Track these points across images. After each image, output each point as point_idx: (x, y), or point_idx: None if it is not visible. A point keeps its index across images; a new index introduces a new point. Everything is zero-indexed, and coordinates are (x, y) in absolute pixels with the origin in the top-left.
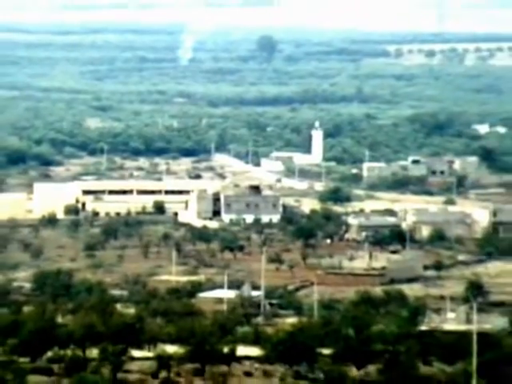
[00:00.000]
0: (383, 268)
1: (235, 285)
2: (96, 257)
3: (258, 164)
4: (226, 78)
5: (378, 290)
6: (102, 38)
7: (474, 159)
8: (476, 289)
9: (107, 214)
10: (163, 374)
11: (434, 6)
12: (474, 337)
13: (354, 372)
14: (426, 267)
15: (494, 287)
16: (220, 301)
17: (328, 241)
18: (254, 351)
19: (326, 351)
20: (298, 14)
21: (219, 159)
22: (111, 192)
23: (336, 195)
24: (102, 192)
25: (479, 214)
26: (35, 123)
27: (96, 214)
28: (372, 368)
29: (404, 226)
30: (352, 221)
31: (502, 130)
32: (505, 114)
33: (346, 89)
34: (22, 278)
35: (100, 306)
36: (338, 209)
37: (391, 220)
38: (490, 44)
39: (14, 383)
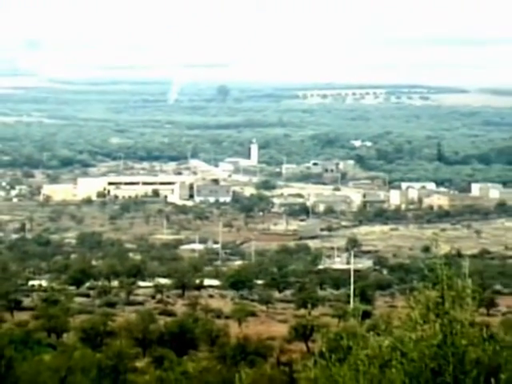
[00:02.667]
0: (295, 230)
1: (203, 240)
2: (116, 224)
3: (217, 166)
4: (197, 112)
5: (292, 244)
6: (120, 88)
7: (351, 162)
8: (353, 242)
9: (123, 197)
10: (158, 297)
11: (323, 65)
12: (352, 273)
13: (277, 294)
14: (322, 229)
15: (364, 242)
16: (193, 251)
17: (261, 213)
18: (215, 282)
19: (260, 282)
20: (242, 73)
21: (193, 163)
22: (126, 183)
23: (266, 185)
24: (120, 183)
25: (355, 197)
26: (78, 140)
27: (116, 197)
28: (288, 292)
29: (308, 204)
30: (276, 201)
31: (368, 143)
32: (370, 133)
33: (272, 119)
34: (71, 237)
35: (119, 254)
36: (267, 193)
37: (300, 200)
38: (361, 90)
39: (66, 303)
